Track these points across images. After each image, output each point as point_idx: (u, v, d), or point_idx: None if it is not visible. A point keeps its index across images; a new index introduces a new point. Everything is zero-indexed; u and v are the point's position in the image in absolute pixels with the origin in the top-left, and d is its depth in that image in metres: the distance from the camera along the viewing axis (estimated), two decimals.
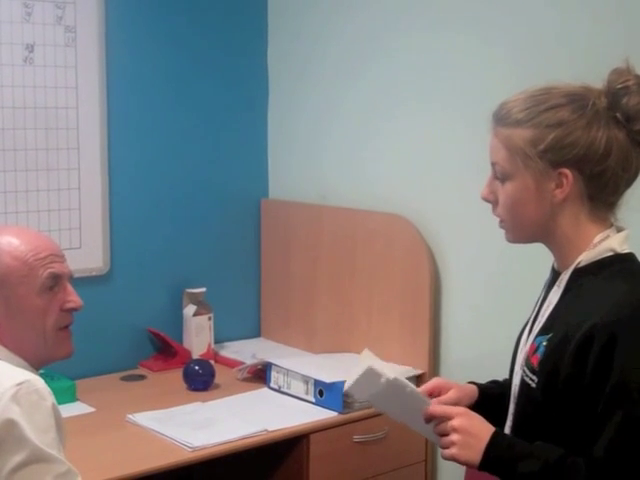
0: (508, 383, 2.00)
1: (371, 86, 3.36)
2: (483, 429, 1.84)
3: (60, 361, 2.12)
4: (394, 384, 1.92)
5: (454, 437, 1.85)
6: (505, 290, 2.98)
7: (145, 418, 2.87)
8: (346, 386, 2.00)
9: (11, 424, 1.75)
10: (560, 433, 1.81)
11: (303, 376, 3.07)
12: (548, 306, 1.90)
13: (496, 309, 3.01)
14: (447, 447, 1.87)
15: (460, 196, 3.08)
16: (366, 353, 2.08)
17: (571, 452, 1.77)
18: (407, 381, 1.95)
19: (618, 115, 1.82)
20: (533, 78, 1.94)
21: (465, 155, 3.05)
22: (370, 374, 1.95)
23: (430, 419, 1.92)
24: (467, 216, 3.06)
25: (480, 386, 2.13)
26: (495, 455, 1.81)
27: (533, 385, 1.85)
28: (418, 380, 3.02)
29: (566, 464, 1.75)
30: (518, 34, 2.89)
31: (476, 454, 1.82)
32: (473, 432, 1.84)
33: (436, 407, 1.92)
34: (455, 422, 1.86)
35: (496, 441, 1.82)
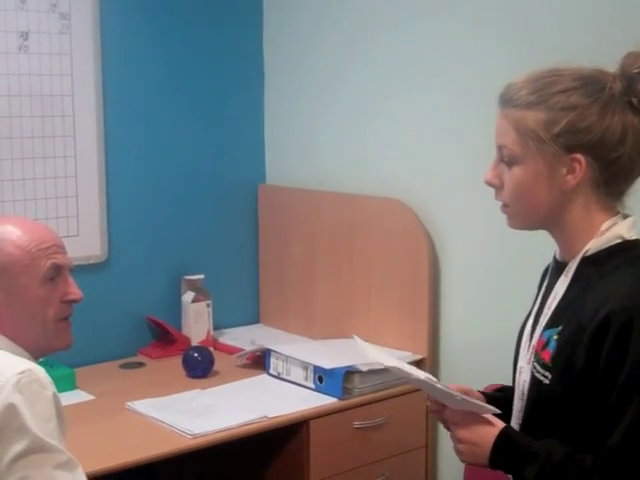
0: (512, 380, 1.97)
1: (368, 71, 3.35)
2: (485, 435, 1.85)
3: (59, 352, 2.12)
4: (423, 382, 1.94)
5: (460, 447, 1.90)
6: (504, 275, 2.98)
7: (144, 405, 2.86)
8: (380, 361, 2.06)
9: (13, 410, 1.74)
10: (576, 427, 1.78)
11: (302, 362, 3.07)
12: (554, 297, 1.86)
13: (495, 294, 3.01)
14: (458, 453, 1.92)
15: (458, 180, 3.07)
16: (358, 342, 2.11)
17: (584, 447, 1.74)
18: (434, 379, 1.95)
19: (634, 100, 1.78)
20: (533, 61, 1.92)
21: (463, 139, 3.04)
22: (396, 370, 1.99)
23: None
24: (466, 200, 3.05)
25: (485, 393, 2.10)
26: (500, 461, 1.84)
27: (546, 381, 1.81)
28: (418, 365, 3.01)
29: (570, 463, 1.74)
30: (516, 16, 2.88)
31: (483, 460, 1.86)
32: (476, 441, 1.87)
33: (445, 413, 1.95)
34: (458, 433, 1.90)
35: (499, 447, 1.83)
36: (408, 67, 3.21)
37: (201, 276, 3.50)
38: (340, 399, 2.95)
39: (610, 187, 1.82)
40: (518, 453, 1.81)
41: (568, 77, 1.80)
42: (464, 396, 1.90)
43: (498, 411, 1.89)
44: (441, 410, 1.96)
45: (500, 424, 1.87)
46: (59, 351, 2.12)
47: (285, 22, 3.65)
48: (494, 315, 3.00)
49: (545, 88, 1.79)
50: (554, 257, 1.94)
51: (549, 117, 1.77)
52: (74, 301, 2.08)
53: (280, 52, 3.68)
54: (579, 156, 1.77)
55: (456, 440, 1.91)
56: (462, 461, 1.94)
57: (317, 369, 3.02)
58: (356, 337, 2.17)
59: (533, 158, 1.80)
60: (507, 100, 1.83)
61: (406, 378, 2.10)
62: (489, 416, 1.89)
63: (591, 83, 1.79)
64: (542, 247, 2.00)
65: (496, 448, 1.83)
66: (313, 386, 3.03)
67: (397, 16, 3.22)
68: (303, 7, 3.58)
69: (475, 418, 1.88)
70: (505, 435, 1.84)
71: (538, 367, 1.83)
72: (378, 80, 3.32)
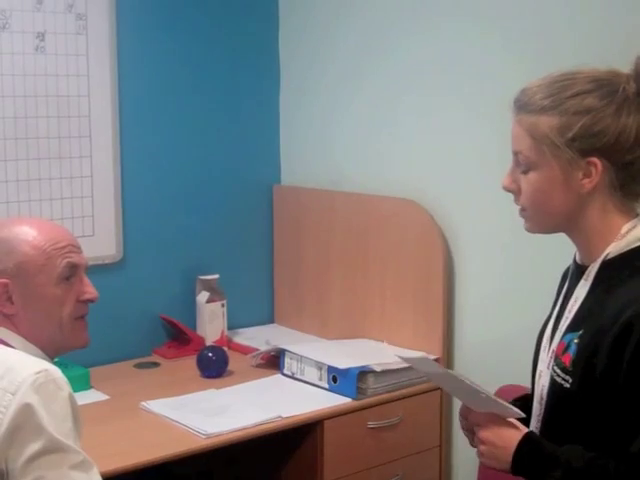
0: (531, 384, 1.96)
1: (384, 71, 3.34)
2: (508, 439, 1.83)
3: (76, 349, 2.13)
4: (450, 375, 1.92)
5: (482, 448, 1.88)
6: (518, 274, 2.97)
7: (159, 405, 2.87)
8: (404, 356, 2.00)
9: (29, 410, 1.75)
10: (596, 431, 1.76)
11: (317, 362, 3.07)
12: (575, 301, 1.85)
13: (509, 293, 3.00)
14: (479, 455, 1.89)
15: (474, 181, 3.07)
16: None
17: (605, 452, 1.72)
18: (461, 375, 1.92)
19: None
20: (550, 63, 1.92)
21: (478, 140, 3.04)
22: (425, 361, 1.96)
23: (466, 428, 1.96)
24: (480, 200, 3.05)
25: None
26: (522, 466, 1.81)
27: (567, 385, 1.79)
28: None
29: (593, 469, 1.72)
30: (528, 17, 2.87)
31: (504, 464, 1.83)
32: (498, 444, 1.84)
33: (470, 416, 1.93)
34: (481, 434, 1.88)
35: (522, 451, 1.81)
36: (424, 68, 3.20)
37: (216, 276, 3.51)
38: (354, 399, 2.96)
39: (627, 189, 1.80)
40: (542, 459, 1.79)
41: (582, 80, 1.78)
42: (490, 394, 1.89)
43: (522, 414, 1.87)
44: (467, 414, 1.95)
45: (524, 428, 1.85)
46: (75, 349, 2.13)
47: (301, 22, 3.65)
48: (509, 314, 2.99)
49: (559, 92, 1.78)
50: (574, 260, 1.92)
51: (563, 122, 1.76)
52: (90, 300, 2.09)
53: (295, 52, 3.69)
54: (595, 159, 1.76)
55: (478, 441, 1.89)
56: (483, 463, 1.91)
57: (331, 369, 3.02)
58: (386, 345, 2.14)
59: (548, 164, 1.79)
60: (521, 105, 1.83)
61: (431, 374, 2.09)
62: (513, 420, 1.87)
63: (605, 85, 1.77)
64: (556, 248, 2.00)
65: (519, 452, 1.81)
66: (327, 386, 3.03)
67: (414, 17, 3.22)
68: (319, 7, 3.58)
69: (498, 420, 1.87)
70: (529, 440, 1.82)
71: (558, 371, 1.82)
72: (394, 81, 3.31)
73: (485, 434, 1.87)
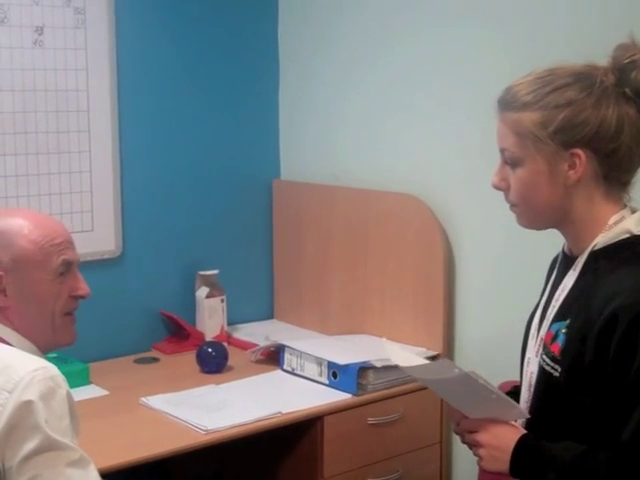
0: (520, 371, 1.99)
1: (385, 66, 3.33)
2: (506, 440, 1.86)
3: (63, 347, 2.13)
4: (467, 377, 1.89)
5: (480, 451, 1.91)
6: (519, 270, 2.97)
7: (159, 401, 2.86)
8: (404, 364, 1.99)
9: (27, 408, 1.74)
10: (585, 419, 1.78)
11: (317, 358, 3.06)
12: (563, 291, 1.88)
13: (510, 288, 3.00)
14: (478, 458, 1.92)
15: (474, 177, 3.06)
16: (387, 346, 2.06)
17: (595, 440, 1.75)
18: (477, 375, 1.90)
19: (627, 90, 1.80)
20: (542, 61, 1.93)
21: (478, 135, 3.02)
22: (444, 364, 1.94)
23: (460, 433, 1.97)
24: (481, 195, 3.03)
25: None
26: (520, 467, 1.84)
27: (556, 374, 1.82)
28: (433, 360, 3.00)
29: (584, 464, 1.75)
30: (525, 17, 2.87)
31: (503, 465, 1.86)
32: (497, 445, 1.88)
33: (463, 422, 1.96)
34: (479, 436, 1.91)
35: (520, 452, 1.84)
36: (425, 63, 3.19)
37: (215, 271, 3.50)
38: (354, 395, 2.95)
39: (612, 178, 1.84)
40: (539, 460, 1.81)
41: (562, 75, 1.83)
42: (501, 394, 1.89)
43: (527, 415, 1.90)
44: (459, 420, 1.97)
45: (521, 429, 1.88)
46: (63, 346, 2.12)
47: (300, 16, 3.64)
48: (509, 310, 2.98)
49: (540, 88, 1.83)
50: (562, 251, 1.96)
51: (544, 116, 1.81)
52: (82, 297, 2.09)
53: (295, 46, 3.67)
54: (578, 151, 1.80)
55: (477, 444, 1.91)
56: (482, 467, 1.93)
57: (331, 365, 3.01)
58: (385, 340, 2.14)
59: (533, 158, 1.84)
60: (505, 104, 1.88)
61: (430, 380, 2.05)
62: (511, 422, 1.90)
63: (584, 78, 1.82)
64: (558, 242, 2.00)
65: (516, 453, 1.84)
66: (327, 382, 3.03)
67: (415, 13, 3.21)
68: (319, 2, 3.57)
69: (494, 422, 1.90)
70: (526, 440, 1.85)
71: (547, 360, 1.85)
72: (395, 75, 3.30)
73: (483, 437, 1.90)
